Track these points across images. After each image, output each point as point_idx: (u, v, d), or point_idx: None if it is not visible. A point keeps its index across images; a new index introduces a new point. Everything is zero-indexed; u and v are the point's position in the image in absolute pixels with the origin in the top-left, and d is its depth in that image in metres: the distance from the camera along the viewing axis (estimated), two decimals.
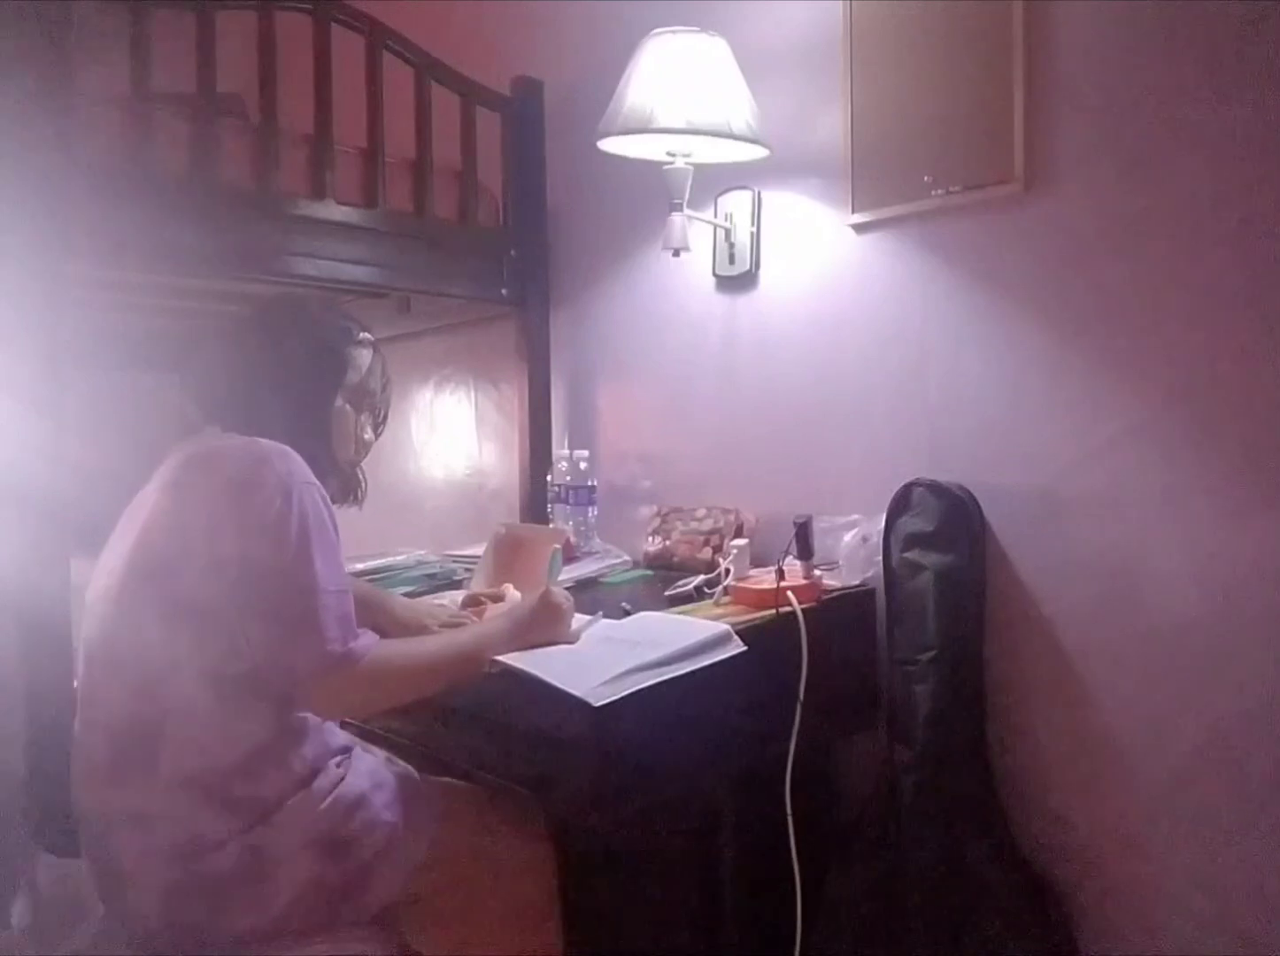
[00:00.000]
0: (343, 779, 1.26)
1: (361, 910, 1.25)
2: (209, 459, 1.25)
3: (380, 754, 1.42)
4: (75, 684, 1.30)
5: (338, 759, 1.29)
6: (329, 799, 1.23)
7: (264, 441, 1.24)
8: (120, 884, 1.21)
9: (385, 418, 1.47)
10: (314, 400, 1.36)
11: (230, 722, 1.19)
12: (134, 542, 1.23)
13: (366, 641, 1.21)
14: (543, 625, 1.36)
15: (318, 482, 1.25)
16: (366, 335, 1.43)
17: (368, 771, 1.31)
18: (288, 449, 1.24)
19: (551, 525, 1.98)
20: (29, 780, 1.44)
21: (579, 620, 1.41)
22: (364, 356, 1.40)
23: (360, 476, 1.45)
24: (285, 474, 1.20)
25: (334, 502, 1.36)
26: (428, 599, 1.68)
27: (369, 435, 1.44)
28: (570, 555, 1.79)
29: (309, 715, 1.26)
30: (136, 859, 1.18)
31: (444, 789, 1.39)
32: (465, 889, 1.34)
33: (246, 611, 1.17)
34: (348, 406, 1.39)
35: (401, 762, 1.41)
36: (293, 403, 1.33)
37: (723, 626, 1.36)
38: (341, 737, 1.34)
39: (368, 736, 1.48)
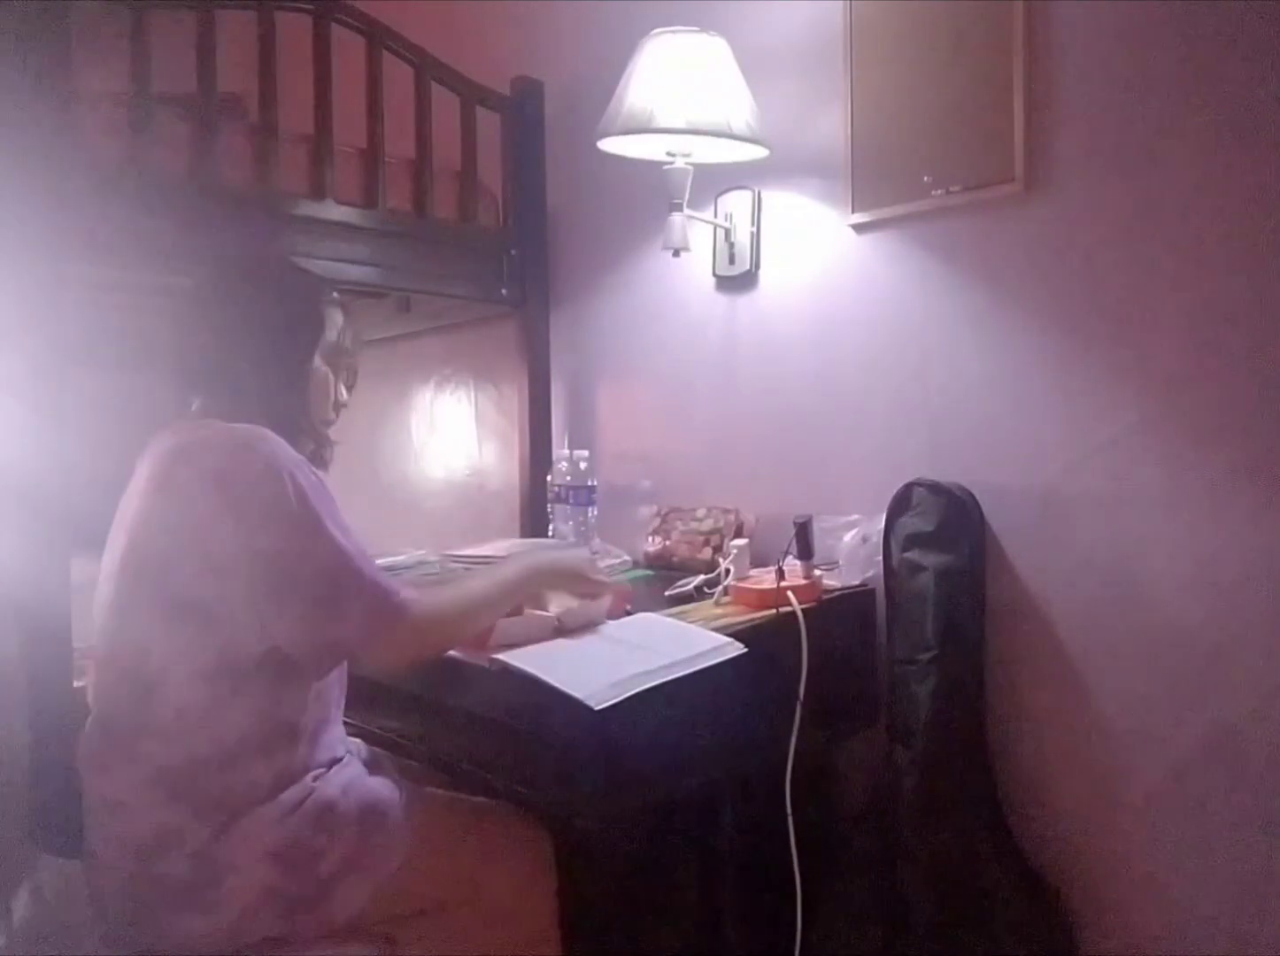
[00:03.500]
0: (312, 792, 1.23)
1: (324, 921, 1.22)
2: (188, 452, 1.22)
3: (366, 754, 1.41)
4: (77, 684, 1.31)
5: (317, 772, 1.26)
6: (295, 813, 1.21)
7: (241, 427, 1.22)
8: (94, 872, 1.23)
9: (355, 379, 1.45)
10: (292, 360, 1.33)
11: (213, 717, 1.18)
12: (125, 544, 1.23)
13: (413, 591, 1.22)
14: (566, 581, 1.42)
15: (304, 458, 1.23)
16: (336, 294, 1.42)
17: (343, 783, 1.27)
18: (266, 431, 1.21)
19: (551, 525, 1.97)
20: (32, 780, 1.44)
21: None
22: (337, 315, 1.39)
23: (330, 441, 1.42)
24: (270, 457, 1.17)
25: None
26: None
27: (344, 395, 1.42)
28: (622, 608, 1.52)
29: (303, 721, 1.24)
30: (105, 847, 1.20)
31: (428, 801, 1.36)
32: (455, 895, 1.31)
33: (271, 602, 1.16)
34: (324, 365, 1.36)
35: (394, 772, 1.39)
36: (271, 364, 1.31)
37: (726, 639, 1.34)
38: (337, 750, 1.31)
39: (368, 737, 1.48)
